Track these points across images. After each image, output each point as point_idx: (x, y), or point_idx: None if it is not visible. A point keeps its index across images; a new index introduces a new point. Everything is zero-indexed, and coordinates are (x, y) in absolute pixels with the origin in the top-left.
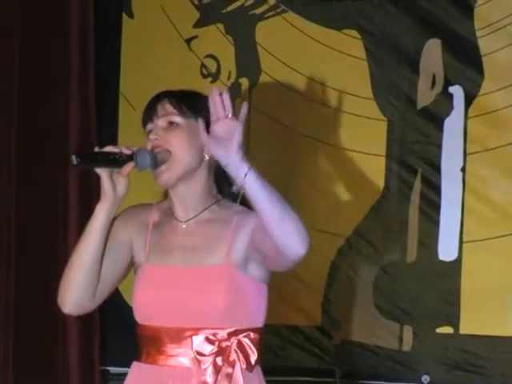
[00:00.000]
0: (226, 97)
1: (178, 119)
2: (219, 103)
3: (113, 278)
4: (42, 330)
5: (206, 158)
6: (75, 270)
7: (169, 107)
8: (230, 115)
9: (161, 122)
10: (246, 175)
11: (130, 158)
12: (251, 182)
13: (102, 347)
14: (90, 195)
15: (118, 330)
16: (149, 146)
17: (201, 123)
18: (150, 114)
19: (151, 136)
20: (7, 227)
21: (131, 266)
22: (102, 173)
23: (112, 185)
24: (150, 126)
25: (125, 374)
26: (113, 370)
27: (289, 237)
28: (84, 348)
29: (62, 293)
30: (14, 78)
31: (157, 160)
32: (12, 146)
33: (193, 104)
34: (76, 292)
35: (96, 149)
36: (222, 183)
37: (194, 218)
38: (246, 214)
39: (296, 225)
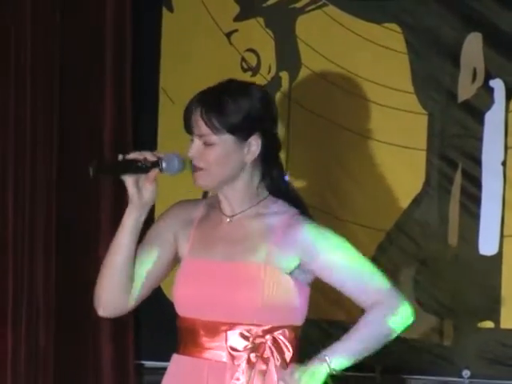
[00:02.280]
0: None
1: (212, 139)
2: None
3: (154, 276)
4: (77, 324)
5: (248, 165)
6: (107, 274)
7: (201, 125)
8: None
9: (197, 141)
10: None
11: (155, 164)
12: (339, 365)
13: (137, 341)
14: (124, 196)
15: (153, 324)
16: (190, 155)
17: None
18: (187, 126)
19: (189, 154)
20: (47, 227)
21: (174, 263)
22: (127, 179)
23: (137, 191)
24: (190, 137)
25: (160, 368)
26: (148, 364)
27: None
28: (118, 342)
29: (97, 298)
30: (54, 77)
31: (189, 166)
32: (54, 146)
33: (224, 115)
34: (109, 296)
35: (120, 156)
36: (268, 177)
37: (239, 213)
38: (292, 214)
39: (387, 336)
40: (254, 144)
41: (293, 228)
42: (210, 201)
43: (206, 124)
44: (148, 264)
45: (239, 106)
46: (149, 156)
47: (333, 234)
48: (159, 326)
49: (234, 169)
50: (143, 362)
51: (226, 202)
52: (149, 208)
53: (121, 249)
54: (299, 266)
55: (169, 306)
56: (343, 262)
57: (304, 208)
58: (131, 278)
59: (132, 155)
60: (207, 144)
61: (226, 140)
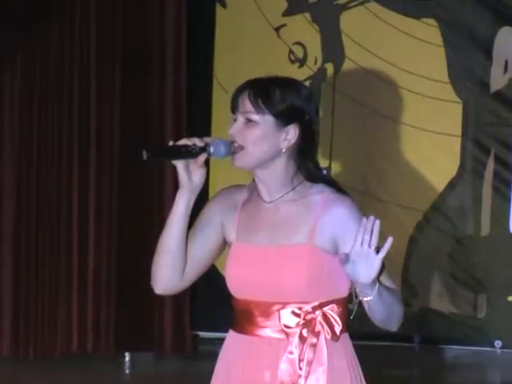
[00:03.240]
0: (377, 227)
1: (254, 117)
2: (369, 232)
3: (205, 257)
4: (141, 299)
5: (283, 150)
6: (161, 255)
7: (247, 104)
8: (373, 247)
9: (240, 118)
10: (369, 298)
11: (203, 149)
12: (372, 303)
13: (193, 314)
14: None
15: (207, 299)
16: (229, 134)
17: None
18: (233, 105)
19: (230, 131)
20: (110, 213)
21: (224, 246)
22: (178, 164)
23: (188, 175)
24: (234, 116)
25: (214, 339)
26: (203, 334)
27: (385, 326)
28: (176, 315)
29: (153, 276)
30: (115, 67)
31: (232, 149)
32: (115, 136)
33: (270, 99)
34: (163, 275)
35: (170, 142)
36: (304, 168)
37: (277, 199)
38: (331, 198)
39: (396, 322)
40: (291, 132)
41: (330, 206)
42: (252, 185)
43: (251, 103)
44: (199, 247)
45: (285, 96)
46: (197, 141)
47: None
48: (213, 301)
49: (270, 152)
50: (198, 333)
51: (263, 189)
52: (198, 191)
53: (172, 230)
54: (336, 244)
55: (222, 282)
56: None
57: (339, 188)
58: (183, 259)
59: (182, 141)
60: (249, 121)
61: (267, 121)
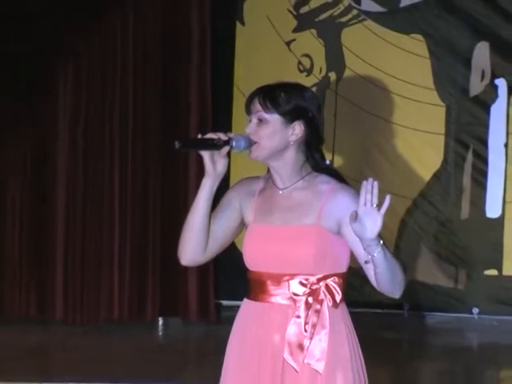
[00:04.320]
0: (376, 187)
1: (264, 116)
2: (370, 191)
3: (224, 236)
4: (171, 274)
5: (291, 143)
6: (187, 232)
7: (258, 106)
8: (374, 205)
9: (254, 119)
10: (375, 254)
11: (226, 142)
12: (380, 257)
13: (217, 285)
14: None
15: (229, 271)
16: (246, 132)
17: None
18: (247, 108)
19: (247, 130)
20: (145, 198)
21: (241, 227)
22: (204, 154)
23: (212, 164)
24: (248, 118)
25: (234, 307)
26: (225, 303)
27: (387, 292)
28: (202, 286)
29: (180, 250)
30: (156, 72)
31: (249, 144)
32: (150, 132)
33: (275, 100)
34: (189, 249)
35: (199, 136)
36: (311, 160)
37: (289, 186)
38: (336, 187)
39: (398, 287)
40: (297, 128)
41: (336, 193)
42: (267, 176)
43: (261, 105)
44: (220, 226)
45: (289, 98)
46: (222, 136)
47: None
48: (233, 273)
49: (280, 145)
50: (221, 301)
51: (277, 177)
52: (221, 179)
53: (198, 211)
54: (340, 226)
55: (240, 258)
56: None
57: (342, 179)
58: (206, 236)
59: (208, 135)
60: (260, 121)
61: (275, 119)
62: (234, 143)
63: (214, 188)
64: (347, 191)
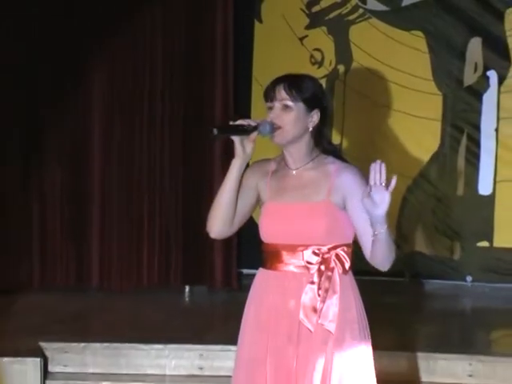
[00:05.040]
0: (383, 168)
1: (290, 103)
2: (378, 171)
3: (245, 212)
4: (197, 244)
5: (310, 130)
6: (217, 208)
7: (283, 93)
8: (383, 184)
9: (277, 105)
10: (381, 231)
11: (255, 128)
12: (383, 236)
13: (239, 255)
14: (229, 155)
15: (249, 243)
16: (269, 118)
17: (302, 107)
18: (270, 94)
19: (271, 115)
20: (174, 177)
21: (257, 203)
22: (235, 139)
23: (242, 147)
24: (270, 104)
25: (253, 275)
26: (245, 271)
27: (380, 266)
28: (226, 255)
29: (209, 224)
30: (178, 67)
31: (274, 129)
32: (180, 118)
33: (301, 89)
34: (218, 223)
35: (230, 122)
36: (321, 144)
37: (301, 167)
38: (342, 166)
39: (388, 262)
40: (316, 115)
41: (341, 172)
42: (278, 159)
43: (287, 93)
44: (242, 203)
45: (310, 87)
46: (250, 122)
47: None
48: (253, 245)
49: (301, 131)
50: (243, 270)
51: (290, 159)
52: (248, 160)
53: (227, 189)
54: (345, 200)
55: (257, 231)
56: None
57: (346, 161)
58: (233, 211)
59: (239, 121)
60: (286, 107)
61: (299, 107)
62: (260, 128)
63: (242, 168)
64: (351, 170)
